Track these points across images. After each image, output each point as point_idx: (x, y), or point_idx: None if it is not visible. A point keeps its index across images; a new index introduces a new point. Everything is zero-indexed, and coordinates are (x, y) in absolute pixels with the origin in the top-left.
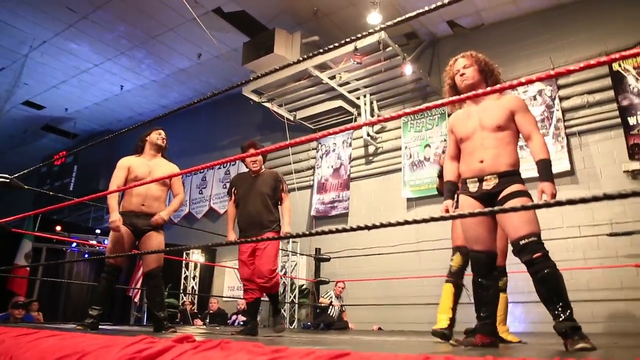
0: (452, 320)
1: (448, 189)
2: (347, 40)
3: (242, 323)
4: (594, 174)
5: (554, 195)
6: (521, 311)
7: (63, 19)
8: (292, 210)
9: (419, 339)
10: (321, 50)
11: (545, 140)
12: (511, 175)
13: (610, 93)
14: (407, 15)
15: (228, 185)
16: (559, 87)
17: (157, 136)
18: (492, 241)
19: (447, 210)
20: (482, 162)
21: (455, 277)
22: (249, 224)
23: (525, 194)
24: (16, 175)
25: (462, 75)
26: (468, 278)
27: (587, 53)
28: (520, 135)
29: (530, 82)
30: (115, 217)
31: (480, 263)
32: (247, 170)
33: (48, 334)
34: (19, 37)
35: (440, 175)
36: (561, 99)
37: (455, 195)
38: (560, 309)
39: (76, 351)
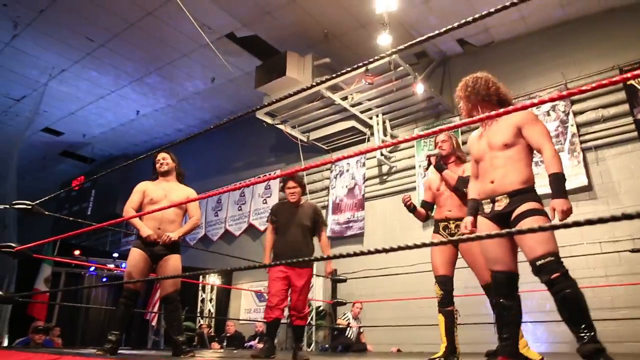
0: (448, 347)
1: (470, 206)
2: (360, 64)
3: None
4: (612, 189)
5: (565, 212)
6: (542, 331)
7: (82, 48)
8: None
9: None
10: (334, 75)
11: (561, 155)
12: (523, 193)
13: (625, 106)
14: (417, 40)
15: (268, 212)
16: (573, 102)
17: (158, 165)
18: (512, 261)
19: (465, 227)
20: (492, 182)
21: (441, 306)
22: (288, 253)
23: (538, 212)
24: (37, 202)
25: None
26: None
27: (599, 67)
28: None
29: (543, 102)
30: (146, 230)
31: (500, 283)
32: (286, 199)
33: None
34: (40, 66)
35: (412, 210)
36: (575, 113)
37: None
38: (583, 331)
39: None
